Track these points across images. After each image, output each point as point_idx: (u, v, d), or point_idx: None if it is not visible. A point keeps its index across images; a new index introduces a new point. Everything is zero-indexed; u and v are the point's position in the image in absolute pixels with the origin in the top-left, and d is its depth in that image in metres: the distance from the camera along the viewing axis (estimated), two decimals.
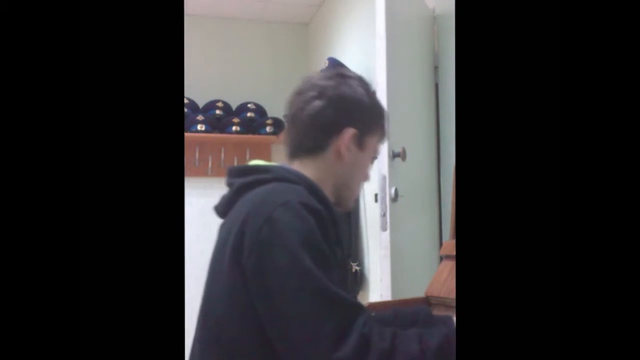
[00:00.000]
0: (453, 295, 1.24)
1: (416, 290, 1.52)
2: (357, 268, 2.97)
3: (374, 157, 1.19)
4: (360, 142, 1.12)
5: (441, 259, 1.47)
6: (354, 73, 1.17)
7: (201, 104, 3.77)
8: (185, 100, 3.66)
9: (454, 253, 1.32)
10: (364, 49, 3.12)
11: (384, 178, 1.86)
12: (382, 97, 1.90)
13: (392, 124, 1.90)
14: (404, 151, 1.92)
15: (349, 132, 1.10)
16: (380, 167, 1.89)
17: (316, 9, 3.93)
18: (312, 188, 1.04)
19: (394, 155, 1.90)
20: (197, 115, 3.64)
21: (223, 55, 4.00)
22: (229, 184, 1.09)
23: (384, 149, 1.87)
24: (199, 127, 3.62)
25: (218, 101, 3.77)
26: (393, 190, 1.85)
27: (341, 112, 1.10)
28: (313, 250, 0.91)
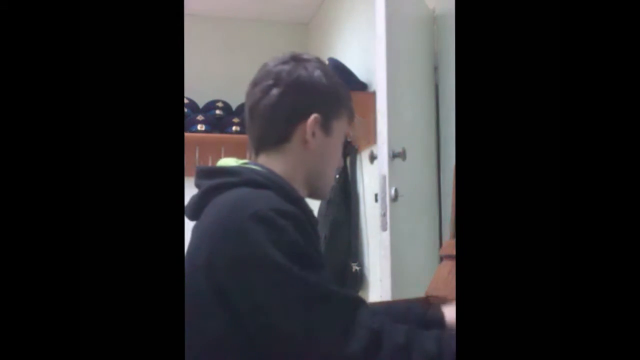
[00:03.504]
0: (453, 295, 1.24)
1: (416, 290, 1.52)
2: (357, 268, 2.97)
3: (344, 141, 1.13)
4: (325, 126, 1.06)
5: (441, 259, 1.47)
6: (310, 55, 1.10)
7: (201, 104, 3.77)
8: (185, 100, 3.67)
9: (454, 253, 1.32)
10: (364, 49, 3.12)
11: (384, 178, 1.86)
12: (382, 97, 1.90)
13: (392, 124, 1.91)
14: (404, 151, 1.92)
15: (312, 118, 1.03)
16: (380, 167, 1.89)
17: (316, 9, 3.93)
18: (283, 189, 0.99)
19: (394, 155, 1.90)
20: (197, 115, 3.64)
21: (223, 55, 4.00)
22: (197, 185, 1.03)
23: (383, 149, 1.87)
24: (199, 127, 3.62)
25: (218, 101, 3.77)
26: (393, 190, 1.85)
27: (300, 98, 1.04)
28: (296, 255, 0.87)
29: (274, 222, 0.88)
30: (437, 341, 0.88)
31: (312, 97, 1.05)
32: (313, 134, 1.05)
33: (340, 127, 1.09)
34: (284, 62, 1.07)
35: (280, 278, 0.86)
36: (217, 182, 0.99)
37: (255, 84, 1.07)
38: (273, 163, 1.05)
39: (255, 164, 1.05)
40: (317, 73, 1.06)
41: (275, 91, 1.04)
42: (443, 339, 0.88)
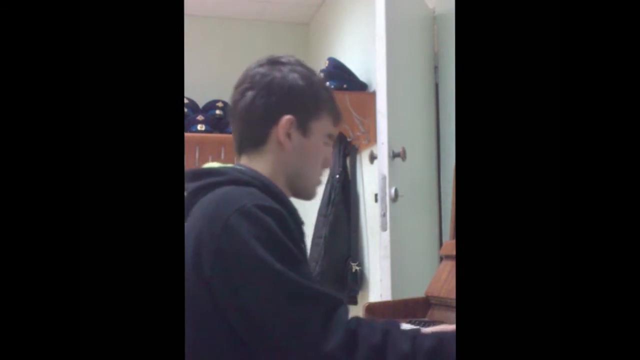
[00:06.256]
0: (453, 295, 1.24)
1: (416, 290, 1.52)
2: (357, 268, 2.97)
3: (329, 141, 1.13)
4: (303, 128, 1.07)
5: (441, 259, 1.47)
6: (290, 58, 1.11)
7: (201, 104, 3.76)
8: (185, 100, 3.66)
9: (454, 253, 1.33)
10: (364, 49, 3.12)
11: (384, 178, 1.86)
12: (382, 97, 1.90)
13: (392, 124, 1.91)
14: (404, 151, 1.92)
15: (284, 120, 1.05)
16: (380, 167, 1.89)
17: (316, 9, 3.93)
18: (266, 187, 1.01)
19: (394, 155, 1.90)
20: (197, 115, 3.64)
21: (223, 55, 4.00)
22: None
23: (383, 149, 1.88)
24: (199, 127, 3.61)
25: (218, 101, 3.77)
26: (393, 190, 1.85)
27: (273, 100, 1.05)
28: (278, 251, 0.90)
29: (258, 217, 0.91)
30: (411, 340, 0.89)
31: (286, 100, 1.05)
32: (288, 136, 1.06)
33: (320, 128, 1.10)
34: (260, 65, 1.09)
35: (261, 272, 0.88)
36: (203, 183, 1.01)
37: (236, 86, 1.10)
38: (254, 164, 1.07)
39: (239, 165, 1.08)
40: (292, 76, 1.07)
41: (249, 94, 1.06)
42: (417, 338, 0.90)
